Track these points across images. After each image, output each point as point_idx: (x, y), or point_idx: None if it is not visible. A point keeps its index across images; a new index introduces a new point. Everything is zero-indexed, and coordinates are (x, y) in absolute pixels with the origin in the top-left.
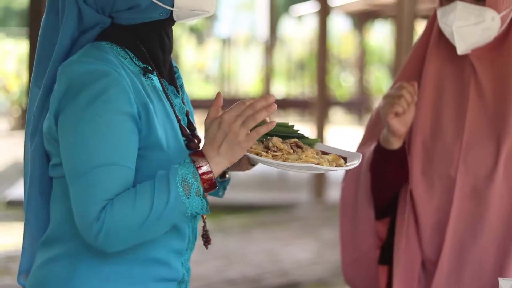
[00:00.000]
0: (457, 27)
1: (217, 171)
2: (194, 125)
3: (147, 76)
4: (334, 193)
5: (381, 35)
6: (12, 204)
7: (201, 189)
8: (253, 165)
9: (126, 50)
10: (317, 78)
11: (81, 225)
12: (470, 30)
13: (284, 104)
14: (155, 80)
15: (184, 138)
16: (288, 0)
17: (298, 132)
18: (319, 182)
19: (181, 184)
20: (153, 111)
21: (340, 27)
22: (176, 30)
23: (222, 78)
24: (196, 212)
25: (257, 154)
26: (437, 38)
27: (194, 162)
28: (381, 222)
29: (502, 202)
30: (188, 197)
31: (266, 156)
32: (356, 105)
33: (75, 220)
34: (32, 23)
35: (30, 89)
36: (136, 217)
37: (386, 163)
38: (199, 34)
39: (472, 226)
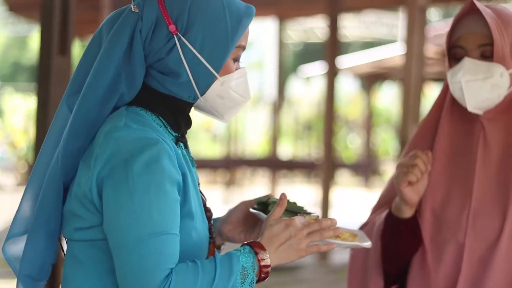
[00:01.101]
0: (465, 81)
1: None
2: (211, 211)
3: (179, 145)
4: (338, 256)
5: (389, 97)
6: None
7: (255, 280)
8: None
9: (160, 117)
10: (324, 140)
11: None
12: (478, 85)
13: (291, 165)
14: (184, 150)
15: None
16: (296, 61)
17: (303, 209)
18: None
19: (240, 272)
20: (189, 181)
21: (348, 89)
22: None
23: (228, 138)
24: None
25: None
26: (449, 104)
27: (256, 254)
28: None
29: (508, 268)
30: (242, 285)
31: None
32: (362, 167)
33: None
34: (41, 79)
35: (59, 106)
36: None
37: (398, 232)
38: None
39: None
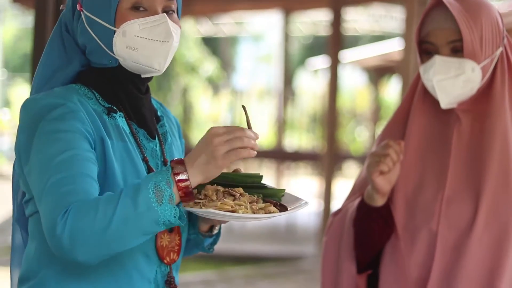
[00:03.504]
0: (437, 81)
1: (194, 182)
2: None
3: (111, 116)
4: None
5: (397, 90)
6: None
7: (175, 196)
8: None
9: (93, 91)
10: (327, 132)
11: (47, 233)
12: (451, 83)
13: (295, 156)
14: (120, 120)
15: None
16: (305, 54)
17: (261, 183)
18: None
19: (153, 190)
20: (110, 148)
21: (356, 82)
22: (192, 80)
23: None
24: (170, 221)
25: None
26: (422, 94)
27: (172, 168)
28: (361, 276)
29: (482, 255)
30: (160, 205)
31: (187, 204)
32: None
33: (45, 234)
34: (35, 68)
35: None
36: (99, 219)
37: (370, 220)
38: (215, 85)
39: (453, 279)
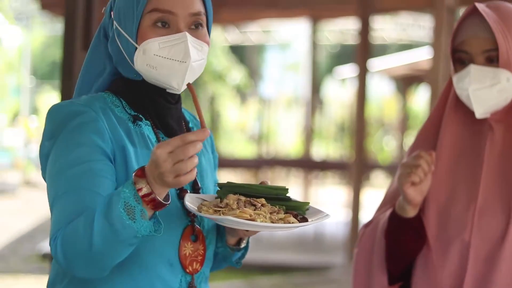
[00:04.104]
0: (473, 90)
1: (159, 193)
2: (199, 185)
3: (136, 123)
4: None
5: (425, 99)
6: (47, 257)
7: (146, 211)
8: (248, 231)
9: (121, 99)
10: (355, 141)
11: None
12: (486, 92)
13: (323, 166)
14: (146, 129)
15: (176, 189)
16: (333, 62)
17: (287, 195)
18: (354, 245)
19: (123, 208)
20: (133, 155)
21: (384, 91)
22: (220, 88)
23: (262, 138)
24: (147, 235)
25: (199, 210)
26: (453, 103)
27: (134, 183)
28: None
29: None
30: (134, 221)
31: (206, 211)
32: (397, 169)
33: None
34: (64, 74)
35: None
36: (80, 240)
37: (402, 231)
38: (243, 94)
39: None
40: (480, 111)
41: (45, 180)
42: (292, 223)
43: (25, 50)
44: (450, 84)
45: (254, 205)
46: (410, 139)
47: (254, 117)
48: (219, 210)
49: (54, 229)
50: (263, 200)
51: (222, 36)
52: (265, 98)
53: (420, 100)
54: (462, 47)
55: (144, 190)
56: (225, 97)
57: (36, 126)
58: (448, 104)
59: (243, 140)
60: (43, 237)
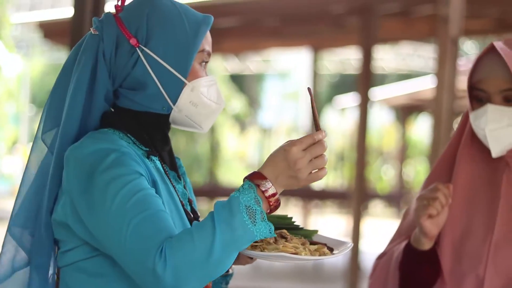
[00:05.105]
0: (490, 130)
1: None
2: (198, 214)
3: (151, 159)
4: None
5: (424, 129)
6: None
7: (265, 214)
8: (252, 258)
9: (129, 135)
10: (356, 170)
11: (142, 277)
12: (503, 132)
13: (322, 195)
14: (158, 163)
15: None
16: (332, 92)
17: (294, 223)
18: (354, 274)
19: (246, 212)
20: (160, 190)
21: (383, 120)
22: (220, 117)
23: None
24: (265, 237)
25: None
26: (469, 138)
27: (258, 186)
28: None
29: None
30: (255, 224)
31: (251, 249)
32: (396, 199)
33: (137, 278)
34: None
35: (34, 141)
36: (199, 249)
37: (416, 264)
38: (241, 122)
39: None
40: (497, 151)
41: (68, 215)
42: (326, 254)
43: (25, 78)
44: (466, 119)
45: (285, 238)
46: (408, 169)
47: (253, 145)
48: (257, 246)
49: (152, 251)
50: (286, 232)
51: (222, 66)
52: (264, 127)
53: (420, 129)
54: (479, 85)
55: (270, 191)
56: (224, 126)
57: None
58: (464, 139)
59: (242, 168)
60: None
